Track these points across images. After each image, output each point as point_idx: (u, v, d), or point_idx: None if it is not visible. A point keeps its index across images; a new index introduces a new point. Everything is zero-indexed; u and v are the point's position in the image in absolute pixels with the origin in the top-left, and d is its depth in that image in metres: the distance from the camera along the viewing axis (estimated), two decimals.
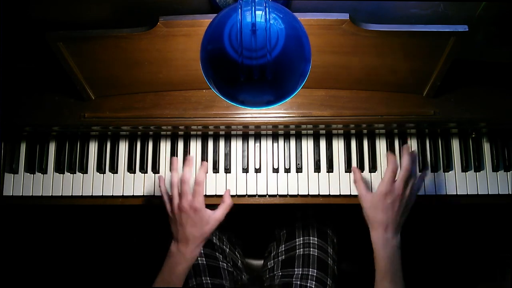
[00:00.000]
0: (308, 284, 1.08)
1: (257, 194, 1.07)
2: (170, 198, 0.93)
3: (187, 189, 0.91)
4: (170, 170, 0.96)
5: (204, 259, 1.12)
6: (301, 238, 1.17)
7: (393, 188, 0.88)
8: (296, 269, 1.12)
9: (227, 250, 1.19)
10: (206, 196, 1.07)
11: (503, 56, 1.03)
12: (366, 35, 0.84)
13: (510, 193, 1.05)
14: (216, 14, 0.68)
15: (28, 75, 1.05)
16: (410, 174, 0.90)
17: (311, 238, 1.17)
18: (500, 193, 1.05)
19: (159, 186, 0.97)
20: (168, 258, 0.92)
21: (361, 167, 1.07)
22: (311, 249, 1.15)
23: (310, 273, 1.11)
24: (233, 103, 0.70)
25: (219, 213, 0.93)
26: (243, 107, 0.84)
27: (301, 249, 1.15)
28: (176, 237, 0.92)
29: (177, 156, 1.08)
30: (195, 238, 0.90)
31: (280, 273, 1.15)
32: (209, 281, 1.08)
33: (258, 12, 0.61)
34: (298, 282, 1.09)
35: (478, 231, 1.65)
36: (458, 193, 1.06)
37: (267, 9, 0.61)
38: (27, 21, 0.96)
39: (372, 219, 0.89)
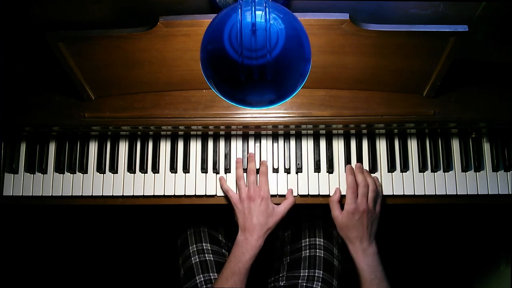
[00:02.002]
0: (314, 286, 1.08)
1: None
2: (234, 194, 1.03)
3: (254, 180, 1.02)
4: (236, 166, 1.06)
5: (211, 255, 1.13)
6: (307, 239, 1.17)
7: (357, 205, 0.98)
8: (302, 271, 1.13)
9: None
10: (206, 196, 1.07)
11: (503, 56, 1.03)
12: (366, 35, 0.84)
13: (510, 193, 1.05)
14: (216, 14, 0.68)
15: (28, 75, 1.05)
16: (367, 188, 1.00)
17: (317, 239, 1.17)
18: (500, 193, 1.05)
19: (221, 185, 1.06)
20: (235, 247, 0.99)
21: None
22: (317, 250, 1.15)
23: (316, 275, 1.11)
24: (233, 103, 0.70)
25: (282, 208, 1.02)
26: (243, 107, 0.84)
27: (307, 251, 1.15)
28: (243, 227, 0.99)
29: (177, 156, 1.08)
30: (261, 227, 0.98)
31: (286, 275, 1.15)
32: (216, 277, 1.09)
33: (258, 12, 0.62)
34: (304, 284, 1.09)
35: (478, 231, 1.65)
36: (458, 193, 1.06)
37: (267, 9, 0.61)
38: (27, 21, 0.96)
39: (347, 234, 0.99)
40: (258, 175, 1.05)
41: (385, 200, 1.06)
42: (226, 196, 1.06)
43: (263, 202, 1.00)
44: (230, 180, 1.07)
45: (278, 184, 1.07)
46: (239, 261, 0.96)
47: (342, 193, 1.04)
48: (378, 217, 1.01)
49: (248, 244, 0.97)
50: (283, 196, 1.06)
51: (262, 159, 1.07)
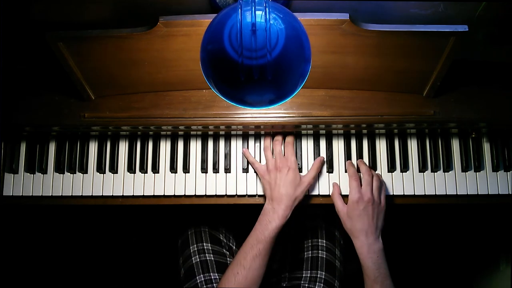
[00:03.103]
0: (316, 287, 1.08)
1: (257, 194, 1.07)
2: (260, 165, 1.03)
3: (280, 150, 1.02)
4: (264, 138, 1.06)
5: (212, 255, 1.13)
6: (309, 240, 1.17)
7: (361, 194, 0.96)
8: (304, 272, 1.13)
9: (234, 247, 1.19)
10: (206, 196, 1.07)
11: (503, 56, 1.03)
12: (366, 35, 0.84)
13: (510, 193, 1.05)
14: (216, 14, 0.68)
15: (28, 75, 1.05)
16: (371, 177, 0.98)
17: (319, 240, 1.17)
18: (500, 193, 1.05)
19: (247, 157, 1.06)
20: (262, 216, 0.97)
21: None
22: (320, 251, 1.15)
23: (318, 276, 1.11)
24: (233, 103, 0.70)
25: (310, 175, 1.02)
26: (243, 107, 0.84)
27: (309, 252, 1.15)
28: (270, 197, 0.98)
29: (177, 156, 1.08)
30: (289, 197, 0.97)
31: (288, 276, 1.15)
32: (217, 277, 1.09)
33: (258, 12, 0.61)
34: (306, 285, 1.09)
35: (478, 231, 1.65)
36: (458, 193, 1.06)
37: (267, 9, 0.61)
38: (27, 21, 0.96)
39: (351, 228, 0.95)
40: (283, 145, 1.05)
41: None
42: (225, 196, 1.07)
43: (290, 172, 0.99)
44: (231, 182, 1.07)
45: None
46: (266, 229, 0.95)
47: (342, 193, 1.04)
48: (384, 210, 0.98)
49: (275, 213, 0.96)
50: None
51: (262, 159, 1.07)
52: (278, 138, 1.04)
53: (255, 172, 1.07)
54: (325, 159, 1.07)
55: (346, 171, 1.06)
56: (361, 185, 0.98)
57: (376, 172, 1.06)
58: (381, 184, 1.00)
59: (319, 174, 1.06)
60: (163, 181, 1.07)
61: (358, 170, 1.04)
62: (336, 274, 1.13)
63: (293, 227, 1.20)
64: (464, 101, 0.99)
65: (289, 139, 1.04)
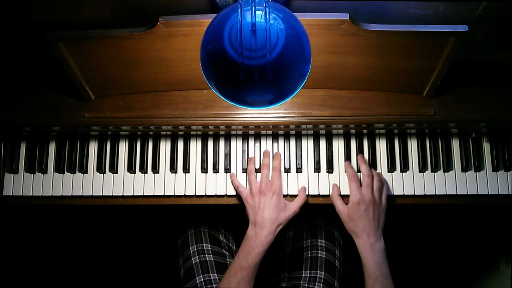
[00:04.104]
0: (316, 287, 1.08)
1: None
2: (244, 189, 1.02)
3: (267, 174, 1.02)
4: (248, 162, 1.06)
5: (211, 256, 1.13)
6: (309, 240, 1.17)
7: (362, 195, 0.96)
8: (303, 272, 1.12)
9: (234, 247, 1.19)
10: (206, 196, 1.07)
11: (503, 56, 1.03)
12: (366, 35, 0.84)
13: (510, 193, 1.05)
14: (216, 14, 0.68)
15: (28, 75, 1.05)
16: (371, 178, 0.98)
17: (318, 240, 1.17)
18: (500, 193, 1.05)
19: (232, 181, 1.05)
20: (245, 242, 0.97)
21: None
22: (319, 251, 1.15)
23: (318, 276, 1.11)
24: (233, 103, 0.70)
25: (295, 205, 1.01)
26: (243, 107, 0.84)
27: (309, 251, 1.15)
28: (253, 221, 0.98)
29: (177, 156, 1.08)
30: (272, 222, 0.96)
31: (287, 276, 1.14)
32: (216, 277, 1.09)
33: (258, 12, 0.61)
34: (306, 285, 1.09)
35: (478, 231, 1.65)
36: (458, 193, 1.06)
37: (267, 9, 0.61)
38: (27, 21, 0.96)
39: (353, 229, 0.96)
40: (271, 170, 1.04)
41: None
42: (225, 196, 1.07)
43: (274, 196, 0.98)
44: (231, 182, 1.07)
45: None
46: (248, 256, 0.95)
47: (341, 193, 1.04)
48: (385, 210, 0.98)
49: (258, 239, 0.95)
50: (284, 196, 1.06)
51: (262, 159, 1.07)
52: (266, 162, 1.04)
53: (255, 172, 1.06)
54: (324, 160, 1.07)
55: (345, 171, 1.06)
56: (361, 185, 0.98)
57: (377, 171, 1.06)
58: (382, 184, 1.00)
59: (319, 174, 1.06)
60: (163, 181, 1.07)
61: (359, 170, 1.04)
62: (336, 274, 1.12)
63: (293, 227, 1.19)
64: (464, 101, 0.99)
65: (276, 164, 1.03)
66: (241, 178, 1.07)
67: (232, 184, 1.05)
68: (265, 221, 0.96)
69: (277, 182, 1.00)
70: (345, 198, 1.02)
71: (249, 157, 1.07)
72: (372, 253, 0.93)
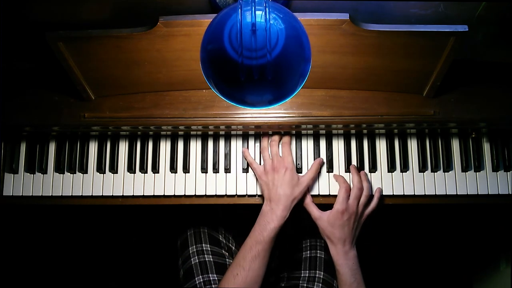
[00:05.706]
0: (315, 287, 1.08)
1: (257, 194, 1.07)
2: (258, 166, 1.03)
3: (277, 150, 1.02)
4: (262, 138, 1.06)
5: (211, 256, 1.13)
6: (307, 240, 1.17)
7: (348, 206, 0.97)
8: (302, 272, 1.12)
9: (233, 248, 1.19)
10: (206, 196, 1.07)
11: (503, 56, 1.03)
12: (366, 35, 0.84)
13: (510, 193, 1.05)
14: (216, 14, 0.68)
15: (28, 75, 1.05)
16: (361, 192, 0.99)
17: (318, 240, 1.17)
18: (500, 193, 1.05)
19: (245, 157, 1.06)
20: (260, 217, 0.98)
21: (361, 167, 1.07)
22: (318, 251, 1.15)
23: (317, 276, 1.11)
24: (233, 103, 0.70)
25: (307, 177, 1.01)
26: (243, 107, 0.84)
27: (308, 251, 1.15)
28: (268, 197, 0.98)
29: (177, 156, 1.08)
30: (286, 197, 0.97)
31: (286, 275, 1.14)
32: (216, 278, 1.09)
33: (258, 12, 0.61)
34: (305, 285, 1.09)
35: (478, 231, 1.66)
36: (458, 193, 1.06)
37: (267, 9, 0.61)
38: (27, 21, 0.96)
39: (331, 235, 0.97)
40: (280, 145, 1.04)
41: (384, 200, 1.06)
42: (225, 196, 1.06)
43: (287, 173, 0.99)
44: (231, 182, 1.07)
45: None
46: (264, 230, 0.95)
47: (331, 193, 1.05)
48: (362, 223, 1.00)
49: (274, 214, 0.96)
50: None
51: (262, 159, 1.07)
52: (275, 139, 1.04)
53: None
54: (324, 160, 1.07)
55: (345, 171, 1.06)
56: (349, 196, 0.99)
57: (376, 172, 1.06)
58: (368, 201, 1.01)
59: (319, 174, 1.06)
60: (163, 181, 1.07)
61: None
62: (335, 274, 1.13)
63: (292, 227, 1.20)
64: (464, 101, 0.99)
65: (285, 139, 1.04)
66: (241, 178, 1.07)
67: (246, 159, 1.06)
68: (281, 197, 0.97)
69: (288, 158, 1.01)
70: (314, 197, 1.04)
71: (262, 132, 1.06)
72: (347, 260, 0.95)
